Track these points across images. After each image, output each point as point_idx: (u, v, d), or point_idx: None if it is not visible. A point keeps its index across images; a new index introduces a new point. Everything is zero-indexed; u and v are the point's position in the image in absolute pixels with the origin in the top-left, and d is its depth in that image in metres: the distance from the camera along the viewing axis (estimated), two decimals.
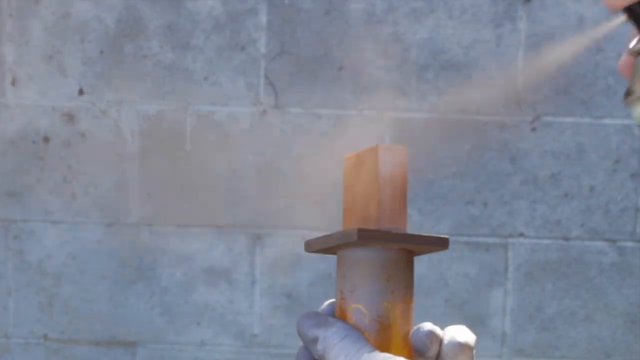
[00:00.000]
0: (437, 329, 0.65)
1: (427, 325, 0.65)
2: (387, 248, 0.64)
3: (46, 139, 2.10)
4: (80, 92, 2.09)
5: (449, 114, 2.08)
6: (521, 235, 2.12)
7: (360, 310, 0.65)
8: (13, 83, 2.09)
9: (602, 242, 2.12)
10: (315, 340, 0.63)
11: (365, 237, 0.63)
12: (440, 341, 0.64)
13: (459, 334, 0.64)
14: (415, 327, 0.65)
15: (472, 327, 2.14)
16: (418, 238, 0.64)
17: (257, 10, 2.06)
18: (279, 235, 2.13)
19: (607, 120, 2.08)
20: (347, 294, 0.65)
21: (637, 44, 0.58)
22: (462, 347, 0.63)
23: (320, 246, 0.66)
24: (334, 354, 0.62)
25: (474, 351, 0.66)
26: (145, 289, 2.14)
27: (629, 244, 2.11)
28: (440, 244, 0.64)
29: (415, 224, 2.11)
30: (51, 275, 2.14)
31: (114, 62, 2.08)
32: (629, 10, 0.58)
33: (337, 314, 0.66)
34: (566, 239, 2.12)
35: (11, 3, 2.06)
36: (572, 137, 2.09)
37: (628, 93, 0.59)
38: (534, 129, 2.08)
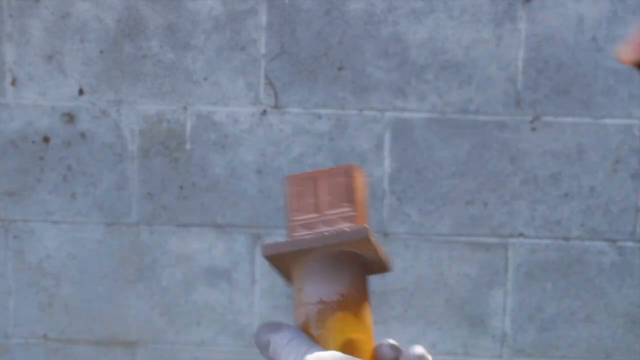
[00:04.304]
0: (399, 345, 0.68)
1: (390, 340, 0.67)
2: (315, 251, 0.66)
3: (46, 139, 2.10)
4: (80, 92, 2.09)
5: (449, 114, 2.08)
6: (521, 235, 2.12)
7: (297, 316, 0.66)
8: (13, 83, 2.09)
9: (602, 242, 2.12)
10: (267, 344, 0.65)
11: (270, 250, 0.65)
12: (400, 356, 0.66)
13: (418, 349, 0.66)
14: (378, 343, 0.67)
15: (472, 327, 2.14)
16: (325, 237, 0.65)
17: (257, 10, 2.06)
18: (279, 235, 2.13)
19: (607, 120, 2.08)
20: (294, 297, 0.67)
21: None
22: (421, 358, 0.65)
23: (279, 273, 0.69)
24: (286, 352, 0.63)
25: None
26: (145, 289, 2.15)
27: (629, 244, 2.12)
28: (357, 234, 0.66)
29: (415, 224, 2.12)
30: (51, 275, 2.14)
31: (114, 62, 2.08)
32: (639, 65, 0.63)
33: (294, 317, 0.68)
34: (566, 239, 2.12)
35: (11, 3, 2.07)
36: (572, 137, 2.09)
37: None
38: (534, 129, 2.09)
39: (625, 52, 0.64)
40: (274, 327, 0.66)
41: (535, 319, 2.14)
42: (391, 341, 0.67)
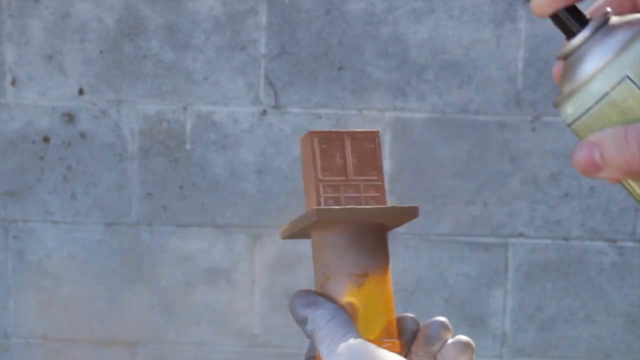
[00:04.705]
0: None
1: (442, 318, 0.66)
2: (338, 226, 0.66)
3: (46, 139, 2.10)
4: (80, 92, 2.09)
5: (449, 114, 2.08)
6: (521, 235, 2.12)
7: (334, 285, 0.66)
8: (13, 83, 2.09)
9: (602, 242, 2.12)
10: (305, 320, 0.64)
11: (326, 216, 0.64)
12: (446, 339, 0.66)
13: (462, 336, 0.66)
14: (430, 319, 0.67)
15: (472, 327, 2.14)
16: (382, 210, 0.65)
17: (257, 10, 2.06)
18: (279, 235, 2.13)
19: None
20: (320, 271, 0.66)
21: (563, 49, 0.61)
22: (466, 346, 0.65)
23: (290, 231, 0.67)
24: (321, 336, 0.63)
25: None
26: (145, 289, 2.15)
27: (629, 244, 2.12)
28: (410, 213, 0.66)
29: (415, 224, 2.12)
30: (51, 275, 2.14)
31: (114, 62, 2.08)
32: (555, 18, 0.61)
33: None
34: (566, 239, 2.12)
35: (11, 3, 2.07)
36: (572, 137, 2.09)
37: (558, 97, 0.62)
38: (534, 129, 2.09)
39: (539, 4, 0.62)
40: (311, 302, 0.65)
41: (535, 319, 2.14)
42: (444, 319, 0.67)
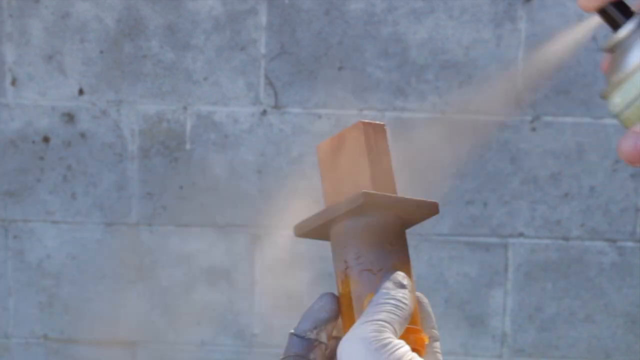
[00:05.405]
0: None
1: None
2: (386, 214, 0.67)
3: (46, 139, 2.10)
4: (80, 92, 2.09)
5: (448, 114, 2.08)
6: (521, 235, 2.12)
7: (369, 274, 0.66)
8: (13, 83, 2.09)
9: (602, 242, 2.12)
10: None
11: (372, 200, 0.64)
12: None
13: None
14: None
15: (472, 327, 2.14)
16: (414, 202, 0.67)
17: (257, 10, 2.06)
18: (279, 235, 2.13)
19: (607, 120, 2.08)
20: (352, 261, 0.66)
21: (610, 40, 0.61)
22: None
23: (320, 221, 0.68)
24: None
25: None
26: (145, 289, 2.14)
27: (629, 244, 2.12)
28: (431, 208, 0.67)
29: None
30: (51, 275, 2.14)
31: (114, 62, 2.08)
32: (602, 12, 0.61)
33: (340, 286, 0.67)
34: (566, 239, 2.12)
35: (11, 3, 2.06)
36: (572, 137, 2.09)
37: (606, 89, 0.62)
38: (534, 129, 2.09)
39: None
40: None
41: (535, 319, 2.14)
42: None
